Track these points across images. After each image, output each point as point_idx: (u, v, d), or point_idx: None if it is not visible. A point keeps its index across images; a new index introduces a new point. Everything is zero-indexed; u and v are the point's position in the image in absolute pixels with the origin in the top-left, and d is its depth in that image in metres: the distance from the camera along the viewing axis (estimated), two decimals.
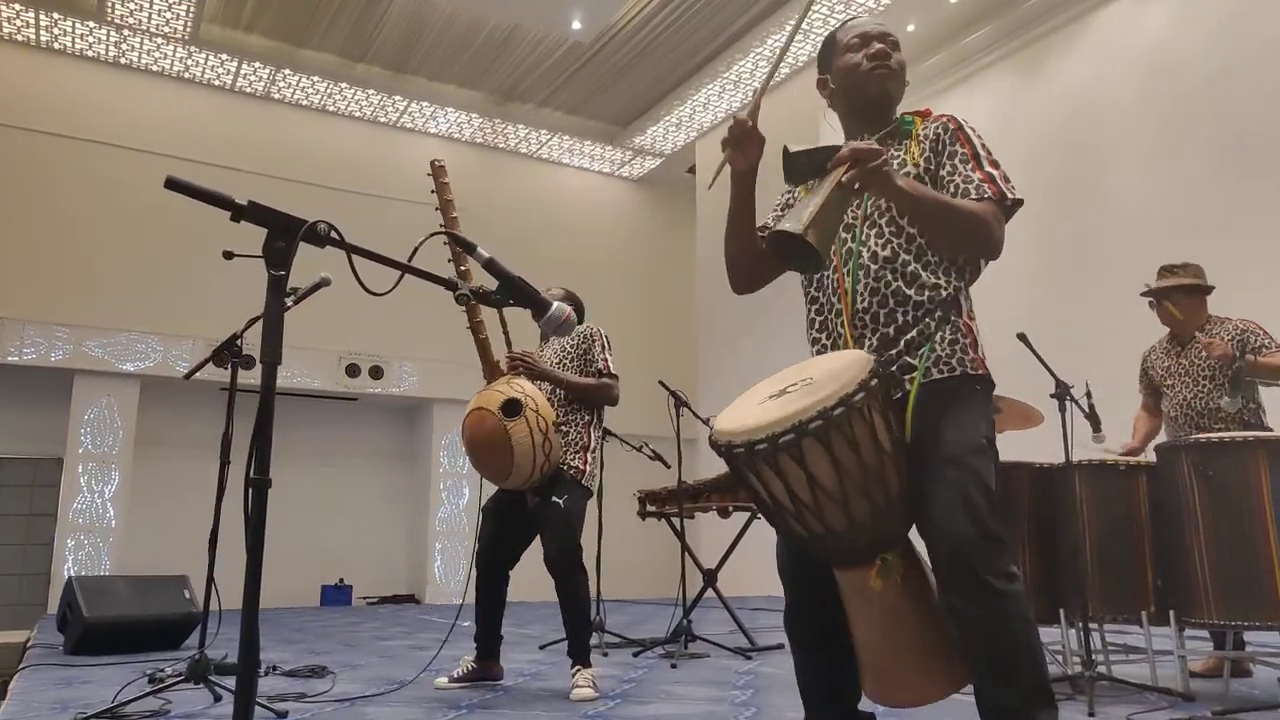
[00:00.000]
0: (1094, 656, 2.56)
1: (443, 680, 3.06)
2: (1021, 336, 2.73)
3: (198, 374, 10.45)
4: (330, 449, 10.09)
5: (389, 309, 11.25)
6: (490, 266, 1.36)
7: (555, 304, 1.40)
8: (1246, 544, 2.40)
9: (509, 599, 3.09)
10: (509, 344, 3.02)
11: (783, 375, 1.49)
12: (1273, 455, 2.42)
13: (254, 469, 1.15)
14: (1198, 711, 2.34)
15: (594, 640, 4.02)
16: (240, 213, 1.21)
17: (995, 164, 1.58)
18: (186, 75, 10.20)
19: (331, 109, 10.97)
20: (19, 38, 9.40)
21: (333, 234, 1.24)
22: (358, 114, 11.11)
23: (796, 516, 1.35)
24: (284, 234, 1.20)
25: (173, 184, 1.20)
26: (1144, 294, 3.37)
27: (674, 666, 3.58)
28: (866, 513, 1.34)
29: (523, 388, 2.80)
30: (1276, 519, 2.36)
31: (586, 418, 3.07)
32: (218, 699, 2.57)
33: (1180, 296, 3.22)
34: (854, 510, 1.33)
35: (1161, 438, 3.21)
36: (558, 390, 3.02)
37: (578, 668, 2.86)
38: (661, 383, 4.23)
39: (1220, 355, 2.90)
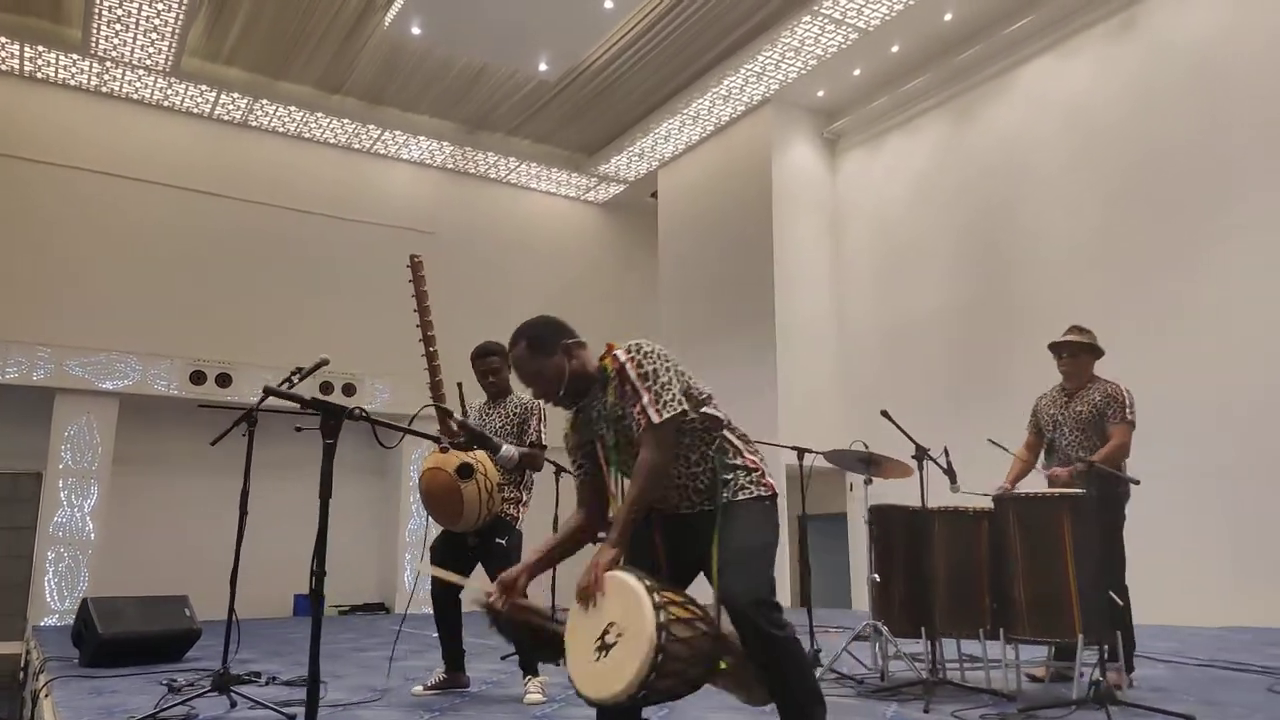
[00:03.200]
0: (945, 665, 3.22)
1: (418, 689, 3.64)
2: (884, 413, 3.39)
3: (176, 392, 10.67)
4: (304, 462, 10.50)
5: (363, 328, 11.64)
6: (463, 427, 1.95)
7: (504, 448, 1.99)
8: (1052, 578, 3.08)
9: (470, 610, 3.69)
10: (464, 411, 3.62)
11: (587, 626, 1.94)
12: (1073, 509, 3.10)
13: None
14: (1008, 709, 2.99)
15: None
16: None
17: (649, 387, 2.04)
18: (166, 104, 10.59)
19: (307, 136, 11.41)
20: (3, 68, 9.74)
21: (357, 411, 1.80)
22: (332, 141, 11.56)
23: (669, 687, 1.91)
24: (332, 416, 1.77)
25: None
26: (1049, 345, 3.97)
27: None
28: (703, 667, 1.93)
29: (475, 454, 3.37)
30: (1074, 558, 3.04)
31: (518, 478, 3.65)
32: (234, 705, 3.12)
33: (1078, 353, 3.82)
34: (699, 669, 1.91)
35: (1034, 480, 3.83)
36: None
37: (528, 677, 3.48)
38: None
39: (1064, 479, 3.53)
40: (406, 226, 11.64)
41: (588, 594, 1.95)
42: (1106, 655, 3.11)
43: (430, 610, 3.65)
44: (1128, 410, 3.67)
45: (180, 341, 10.10)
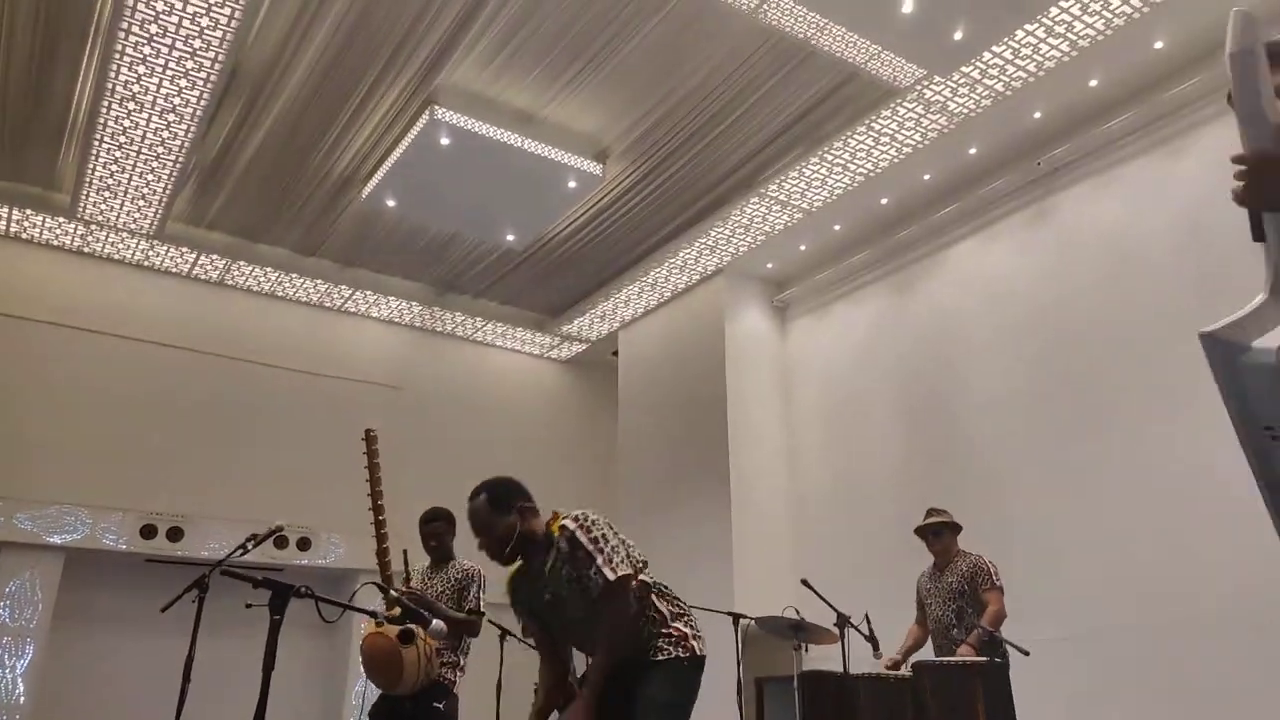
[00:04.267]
0: None
1: None
2: (804, 582, 3.63)
3: (125, 547, 10.46)
4: (252, 619, 10.20)
5: (322, 481, 11.58)
6: (399, 601, 2.18)
7: (434, 624, 2.20)
8: None
9: None
10: (408, 577, 3.82)
11: None
12: (984, 677, 3.31)
13: None
14: None
15: None
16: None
17: (601, 550, 2.30)
18: (145, 264, 11.02)
19: (280, 295, 11.85)
20: None
21: (303, 590, 2.02)
22: (305, 300, 12.01)
23: None
24: (280, 595, 1.98)
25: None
26: (915, 530, 4.35)
27: None
28: None
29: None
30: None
31: (457, 643, 3.83)
32: None
33: (941, 531, 4.19)
34: None
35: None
36: None
37: None
38: None
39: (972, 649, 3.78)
40: (374, 381, 11.95)
41: None
42: None
43: None
44: (994, 578, 4.09)
45: (134, 495, 10.01)
